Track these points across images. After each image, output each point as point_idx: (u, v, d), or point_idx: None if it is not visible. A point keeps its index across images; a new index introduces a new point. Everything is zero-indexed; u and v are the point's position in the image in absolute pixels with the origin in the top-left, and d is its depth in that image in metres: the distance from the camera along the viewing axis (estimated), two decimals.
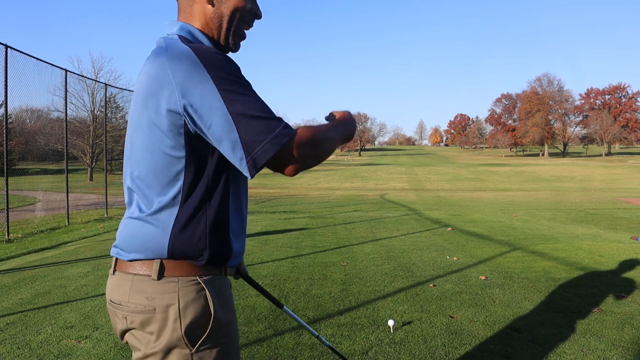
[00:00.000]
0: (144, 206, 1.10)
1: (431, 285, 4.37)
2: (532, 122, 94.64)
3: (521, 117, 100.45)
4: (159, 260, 1.08)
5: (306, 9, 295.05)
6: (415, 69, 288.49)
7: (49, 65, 9.39)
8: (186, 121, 1.02)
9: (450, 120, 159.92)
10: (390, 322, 3.19)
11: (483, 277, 4.63)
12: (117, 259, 1.16)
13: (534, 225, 9.12)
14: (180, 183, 1.07)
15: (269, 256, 5.79)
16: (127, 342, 1.15)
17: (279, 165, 1.04)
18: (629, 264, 5.22)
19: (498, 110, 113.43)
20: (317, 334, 2.02)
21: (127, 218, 1.14)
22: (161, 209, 1.08)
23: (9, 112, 9.30)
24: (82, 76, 19.50)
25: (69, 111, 10.90)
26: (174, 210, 1.08)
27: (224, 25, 1.18)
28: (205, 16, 1.17)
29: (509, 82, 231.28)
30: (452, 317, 3.48)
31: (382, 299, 3.93)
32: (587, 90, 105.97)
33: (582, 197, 20.91)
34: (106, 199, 12.28)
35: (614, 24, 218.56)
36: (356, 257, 5.75)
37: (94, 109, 39.05)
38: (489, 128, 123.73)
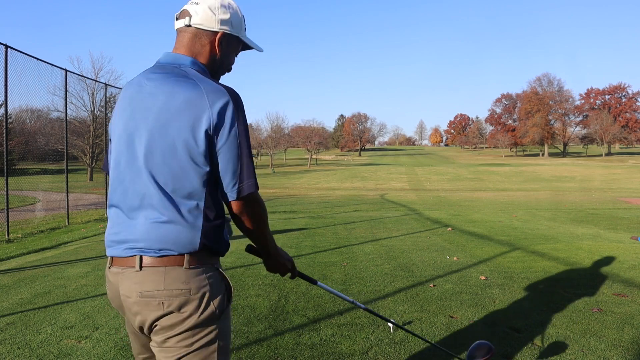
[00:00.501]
0: (170, 210, 1.30)
1: (431, 285, 4.37)
2: (532, 122, 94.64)
3: (521, 117, 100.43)
4: (189, 253, 1.31)
5: (306, 9, 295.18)
6: (415, 69, 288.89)
7: (49, 65, 9.39)
8: (212, 141, 1.29)
9: (450, 120, 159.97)
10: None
11: (483, 277, 4.63)
12: (141, 257, 1.31)
13: (534, 225, 9.12)
14: (205, 192, 1.32)
15: None
16: (149, 333, 1.35)
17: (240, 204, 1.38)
18: (629, 264, 5.22)
19: (498, 110, 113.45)
20: (351, 299, 2.13)
21: (152, 222, 1.30)
22: (190, 212, 1.30)
23: (9, 112, 9.31)
24: (82, 76, 19.50)
25: (69, 111, 10.90)
26: (201, 213, 1.32)
27: (221, 69, 1.53)
28: (211, 59, 1.47)
29: (509, 82, 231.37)
30: (452, 317, 3.48)
31: (382, 299, 3.93)
32: (587, 90, 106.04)
33: (582, 197, 20.91)
34: (106, 199, 12.27)
35: (614, 24, 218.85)
36: (356, 257, 5.75)
37: (94, 109, 39.04)
38: (489, 128, 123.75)
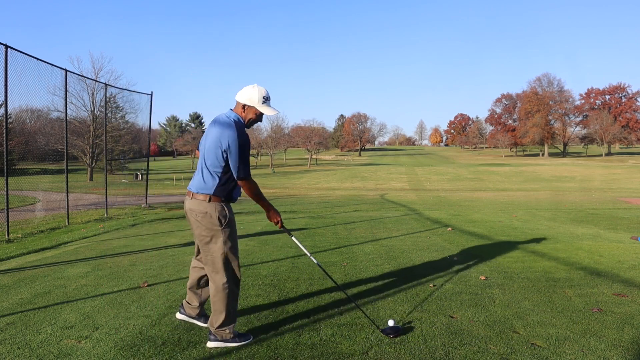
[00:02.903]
0: (208, 177, 2.96)
1: (431, 285, 4.37)
2: (532, 122, 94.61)
3: (521, 117, 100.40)
4: (209, 195, 2.94)
5: (306, 9, 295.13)
6: (415, 69, 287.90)
7: (49, 65, 9.38)
8: (226, 152, 2.89)
9: (450, 120, 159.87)
10: (390, 322, 3.19)
11: (483, 277, 4.63)
12: (193, 192, 3.00)
13: (534, 225, 9.12)
14: (220, 172, 2.95)
15: (269, 256, 5.80)
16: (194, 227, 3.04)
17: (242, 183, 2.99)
18: (629, 264, 5.22)
19: (498, 110, 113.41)
20: (316, 261, 3.57)
21: (199, 179, 3.00)
22: (213, 180, 2.95)
23: (9, 112, 9.30)
24: (82, 76, 19.51)
25: (69, 111, 10.90)
26: (217, 181, 2.95)
27: (246, 120, 3.03)
28: (241, 113, 3.02)
29: (509, 82, 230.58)
30: (452, 317, 3.48)
31: (382, 299, 3.93)
32: (587, 90, 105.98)
33: (582, 197, 20.91)
34: (106, 199, 12.27)
35: (614, 24, 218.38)
36: (356, 257, 5.75)
37: (94, 109, 39.06)
38: (489, 128, 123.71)
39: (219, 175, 2.92)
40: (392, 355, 2.82)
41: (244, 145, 2.86)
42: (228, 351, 2.89)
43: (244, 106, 2.97)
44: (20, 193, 17.24)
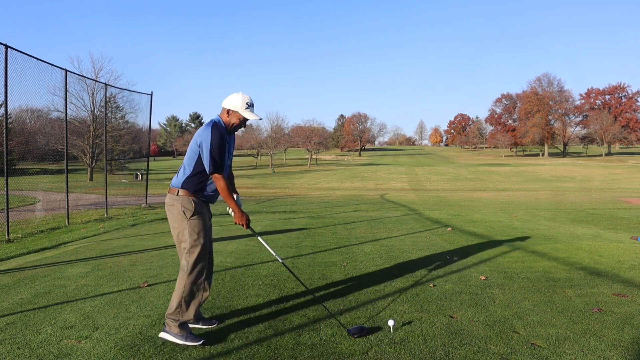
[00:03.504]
0: (182, 172, 3.17)
1: (431, 285, 4.37)
2: (532, 122, 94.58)
3: (521, 117, 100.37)
4: (177, 188, 3.15)
5: (306, 9, 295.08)
6: (415, 69, 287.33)
7: (49, 65, 9.38)
8: (200, 147, 3.10)
9: (450, 120, 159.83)
10: (390, 322, 3.19)
11: (483, 277, 4.63)
12: (170, 187, 3.19)
13: (534, 225, 9.12)
14: (192, 167, 3.14)
15: (269, 256, 5.79)
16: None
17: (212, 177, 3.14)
18: (629, 264, 5.22)
19: (498, 110, 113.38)
20: (281, 260, 3.65)
21: (175, 175, 3.22)
22: (184, 173, 3.16)
23: (9, 112, 9.30)
24: (82, 76, 19.52)
25: (69, 111, 10.90)
26: (188, 174, 3.15)
27: (230, 125, 3.20)
28: (225, 118, 3.19)
29: (509, 82, 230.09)
30: (452, 317, 3.48)
31: (382, 299, 3.93)
32: (587, 90, 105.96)
33: (582, 197, 20.91)
34: (106, 199, 12.27)
35: (614, 24, 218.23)
36: (356, 257, 5.75)
37: (94, 109, 39.04)
38: (489, 128, 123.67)
39: (191, 169, 3.11)
40: (392, 355, 2.82)
41: (215, 141, 3.02)
42: (228, 351, 2.89)
43: (228, 111, 3.15)
44: (20, 193, 17.24)
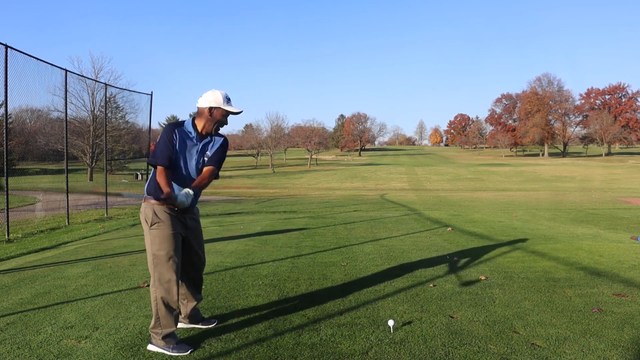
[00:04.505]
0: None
1: (431, 285, 4.37)
2: (532, 122, 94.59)
3: (521, 117, 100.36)
4: (145, 196, 3.06)
5: (306, 9, 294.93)
6: (415, 69, 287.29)
7: (49, 65, 9.38)
8: None
9: (450, 120, 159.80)
10: (390, 322, 3.19)
11: (483, 277, 4.62)
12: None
13: (534, 225, 9.11)
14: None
15: (269, 256, 5.79)
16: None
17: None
18: (629, 264, 5.22)
19: (498, 110, 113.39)
20: None
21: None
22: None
23: (9, 112, 9.29)
24: (82, 76, 19.53)
25: (69, 111, 10.90)
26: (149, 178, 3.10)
27: (214, 124, 3.09)
28: (207, 118, 3.06)
29: (509, 82, 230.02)
30: (452, 317, 3.48)
31: (382, 299, 3.93)
32: (587, 90, 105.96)
33: (582, 197, 20.91)
34: (106, 199, 12.27)
35: (614, 24, 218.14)
36: (356, 257, 5.75)
37: (94, 109, 39.07)
38: (489, 128, 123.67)
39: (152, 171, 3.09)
40: (392, 355, 2.82)
41: (163, 135, 2.98)
42: (228, 351, 2.88)
43: (210, 109, 3.00)
44: (20, 193, 17.24)
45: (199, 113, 3.05)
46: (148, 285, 4.41)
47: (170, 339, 2.93)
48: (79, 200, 15.64)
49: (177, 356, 2.83)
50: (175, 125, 3.03)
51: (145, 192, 3.07)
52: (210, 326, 3.31)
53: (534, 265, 5.20)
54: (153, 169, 3.04)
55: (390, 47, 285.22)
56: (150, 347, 2.95)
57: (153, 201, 2.97)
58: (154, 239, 2.95)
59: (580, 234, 7.78)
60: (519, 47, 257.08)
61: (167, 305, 2.93)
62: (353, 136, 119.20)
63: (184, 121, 3.08)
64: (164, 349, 2.89)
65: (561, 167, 59.98)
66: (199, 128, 3.05)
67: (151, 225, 2.96)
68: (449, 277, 4.69)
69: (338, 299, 3.93)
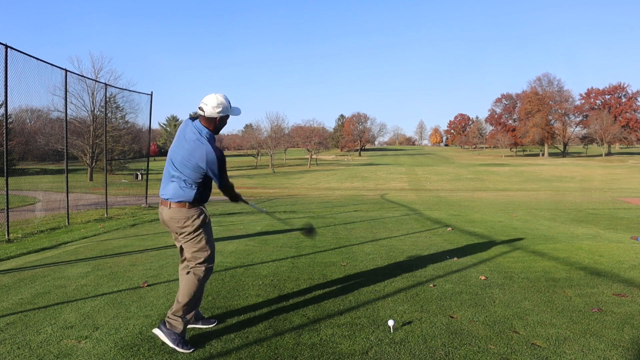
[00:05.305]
0: (184, 183, 3.07)
1: (431, 285, 4.37)
2: (532, 122, 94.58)
3: (521, 117, 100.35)
4: (187, 202, 3.06)
5: (306, 9, 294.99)
6: (415, 69, 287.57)
7: (49, 65, 9.38)
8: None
9: (450, 121, 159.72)
10: (390, 322, 3.19)
11: (483, 277, 4.62)
12: (170, 201, 3.08)
13: (534, 225, 9.11)
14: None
15: (269, 256, 5.79)
16: (177, 237, 3.17)
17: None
18: (629, 264, 5.22)
19: (498, 110, 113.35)
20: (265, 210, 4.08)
21: (174, 187, 3.09)
22: (192, 186, 3.08)
23: (9, 112, 9.30)
24: (82, 76, 19.51)
25: (69, 111, 10.90)
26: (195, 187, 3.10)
27: (219, 130, 3.21)
28: (216, 126, 3.15)
29: (509, 82, 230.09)
30: (452, 317, 3.48)
31: (382, 299, 3.93)
32: (587, 90, 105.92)
33: (582, 197, 20.91)
34: (106, 199, 12.27)
35: (614, 24, 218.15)
36: (356, 257, 5.75)
37: (94, 109, 39.05)
38: (489, 128, 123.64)
39: (194, 182, 3.20)
40: (392, 355, 2.82)
41: (222, 157, 3.16)
42: (228, 351, 2.89)
43: (221, 117, 3.12)
44: (20, 193, 17.24)
45: (207, 120, 3.09)
46: (148, 285, 4.42)
47: (184, 330, 3.02)
48: (79, 200, 15.64)
49: (178, 353, 2.83)
50: (214, 139, 3.16)
51: (191, 199, 3.08)
52: (210, 326, 3.31)
53: (534, 265, 5.20)
54: (184, 177, 3.06)
55: (390, 47, 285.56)
56: (156, 331, 3.01)
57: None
58: (206, 231, 3.16)
59: (580, 234, 7.78)
60: (519, 47, 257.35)
61: (202, 291, 3.15)
62: (353, 136, 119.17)
63: (209, 131, 3.11)
64: (169, 338, 2.93)
65: (561, 167, 59.99)
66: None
67: (202, 225, 3.13)
68: (449, 277, 4.68)
69: (338, 299, 3.93)
